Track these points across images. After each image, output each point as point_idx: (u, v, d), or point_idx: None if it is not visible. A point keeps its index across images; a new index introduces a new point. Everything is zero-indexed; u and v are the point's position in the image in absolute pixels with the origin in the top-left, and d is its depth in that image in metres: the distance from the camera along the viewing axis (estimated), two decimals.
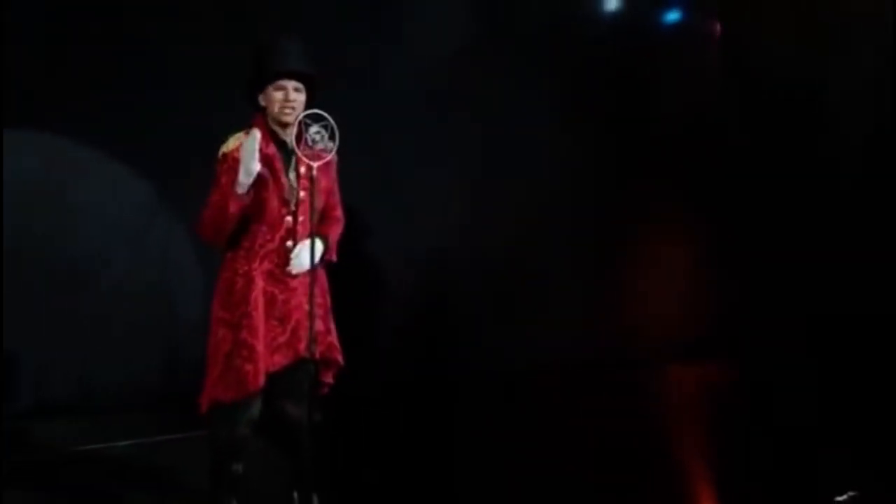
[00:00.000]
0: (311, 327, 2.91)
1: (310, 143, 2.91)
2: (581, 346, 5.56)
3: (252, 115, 3.04)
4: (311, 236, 2.92)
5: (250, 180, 2.87)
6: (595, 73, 5.77)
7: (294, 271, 3.02)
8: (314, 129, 2.91)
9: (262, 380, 2.99)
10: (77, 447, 4.09)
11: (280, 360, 3.04)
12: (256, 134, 2.86)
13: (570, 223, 5.67)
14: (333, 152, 2.95)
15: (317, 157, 2.92)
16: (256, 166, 2.86)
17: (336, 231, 3.23)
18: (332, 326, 3.18)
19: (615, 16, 5.91)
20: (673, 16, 6.13)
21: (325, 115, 2.91)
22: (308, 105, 3.02)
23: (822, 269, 5.97)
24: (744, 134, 6.13)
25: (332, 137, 2.91)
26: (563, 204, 5.66)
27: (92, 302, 4.53)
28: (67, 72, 4.32)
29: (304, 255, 3.03)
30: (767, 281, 5.99)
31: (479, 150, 5.45)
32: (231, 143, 3.00)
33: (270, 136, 3.02)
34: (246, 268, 3.02)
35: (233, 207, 2.89)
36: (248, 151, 2.84)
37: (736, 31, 6.16)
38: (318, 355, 3.07)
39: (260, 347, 2.99)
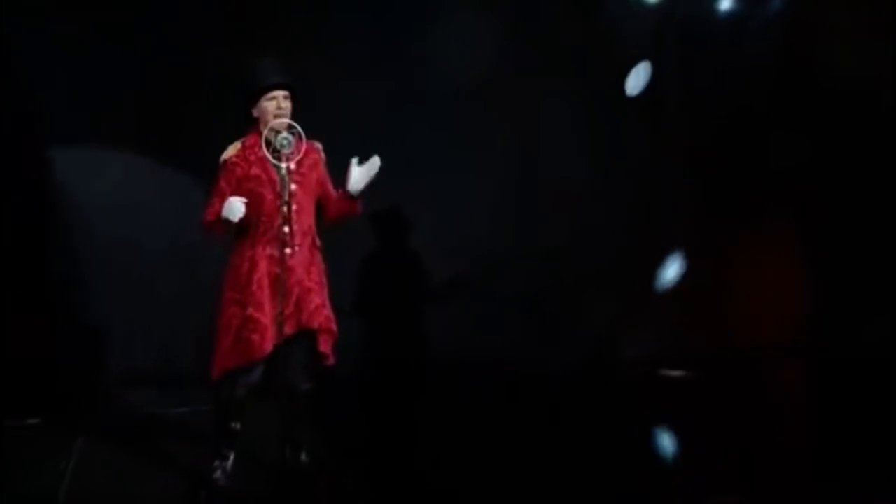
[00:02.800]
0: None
1: (278, 147, 3.44)
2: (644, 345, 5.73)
3: (247, 127, 3.59)
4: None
5: (235, 220, 3.45)
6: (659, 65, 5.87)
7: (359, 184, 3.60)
8: (282, 135, 3.46)
9: (268, 348, 3.50)
10: (156, 410, 4.68)
11: (288, 330, 3.52)
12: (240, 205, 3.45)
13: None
14: (302, 151, 3.49)
15: (290, 159, 3.48)
16: (238, 213, 3.43)
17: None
18: (328, 301, 3.66)
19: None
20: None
21: (294, 123, 3.49)
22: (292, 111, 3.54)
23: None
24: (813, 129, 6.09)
25: (300, 141, 3.45)
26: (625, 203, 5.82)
27: (170, 285, 5.10)
28: (143, 93, 4.98)
29: (360, 173, 3.60)
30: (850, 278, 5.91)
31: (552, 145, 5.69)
32: (230, 151, 3.57)
33: (265, 141, 3.53)
34: (250, 253, 3.55)
35: (217, 230, 3.55)
36: (231, 209, 3.44)
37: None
38: (316, 325, 3.57)
39: (266, 321, 3.50)
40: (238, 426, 3.67)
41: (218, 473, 3.64)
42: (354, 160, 3.61)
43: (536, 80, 5.65)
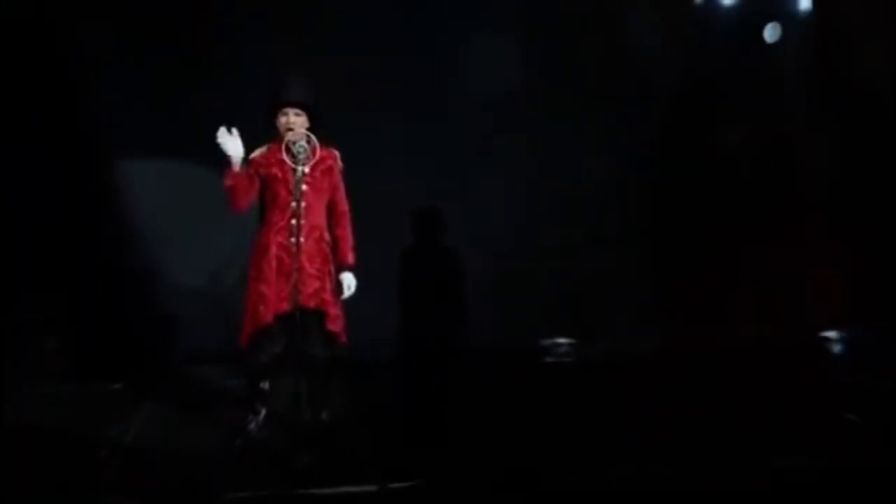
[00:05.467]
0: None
1: (294, 153, 4.07)
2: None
3: (274, 133, 4.26)
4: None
5: (234, 163, 4.13)
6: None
7: (348, 294, 4.30)
8: (299, 143, 4.07)
9: (270, 317, 4.16)
10: (212, 381, 5.44)
11: (289, 306, 4.11)
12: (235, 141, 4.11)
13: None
14: (317, 157, 4.10)
15: (306, 163, 4.08)
16: (235, 154, 4.11)
17: (347, 229, 4.37)
18: (329, 286, 4.28)
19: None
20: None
21: (310, 134, 4.10)
22: (309, 126, 4.19)
23: None
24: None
25: (313, 151, 4.06)
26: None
27: (233, 277, 5.83)
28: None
29: (352, 283, 4.31)
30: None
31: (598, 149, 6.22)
32: (256, 152, 4.26)
33: (285, 147, 4.17)
34: (265, 240, 4.24)
35: (228, 180, 4.15)
36: (233, 149, 4.11)
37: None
38: (313, 305, 4.20)
39: (271, 296, 4.18)
40: (266, 386, 4.39)
41: (251, 426, 4.37)
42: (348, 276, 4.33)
43: (557, 91, 6.19)
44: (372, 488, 3.78)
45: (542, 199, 6.19)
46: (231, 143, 4.10)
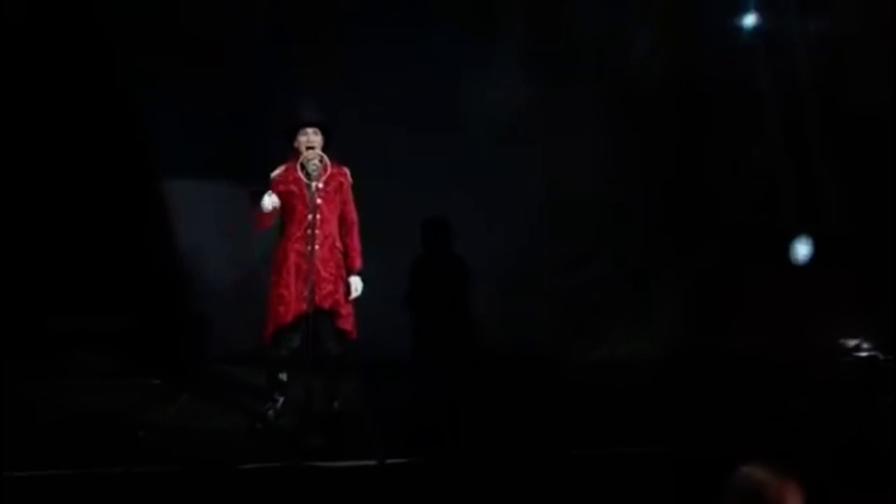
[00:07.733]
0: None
1: (309, 171, 4.63)
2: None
3: (291, 154, 4.83)
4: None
5: (266, 210, 4.72)
6: None
7: (355, 295, 4.85)
8: (313, 161, 4.64)
9: (290, 318, 4.71)
10: (239, 377, 5.87)
11: (306, 307, 4.63)
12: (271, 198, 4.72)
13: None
14: (328, 174, 4.66)
15: (319, 179, 4.64)
16: (268, 206, 4.71)
17: (356, 238, 4.91)
18: (341, 288, 4.83)
19: None
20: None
21: (323, 154, 4.66)
22: (325, 142, 4.75)
23: None
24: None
25: (325, 168, 4.62)
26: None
27: (262, 286, 6.41)
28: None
29: (359, 285, 4.85)
30: None
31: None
32: (276, 172, 4.81)
33: (300, 165, 4.74)
34: (284, 248, 4.80)
35: (259, 221, 4.79)
36: (265, 202, 4.71)
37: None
38: (327, 305, 4.74)
39: (289, 297, 4.73)
40: (284, 377, 4.93)
41: (270, 412, 4.90)
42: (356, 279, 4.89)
43: (564, 107, 6.57)
44: (372, 462, 4.27)
45: (547, 207, 6.53)
46: (268, 199, 4.72)
